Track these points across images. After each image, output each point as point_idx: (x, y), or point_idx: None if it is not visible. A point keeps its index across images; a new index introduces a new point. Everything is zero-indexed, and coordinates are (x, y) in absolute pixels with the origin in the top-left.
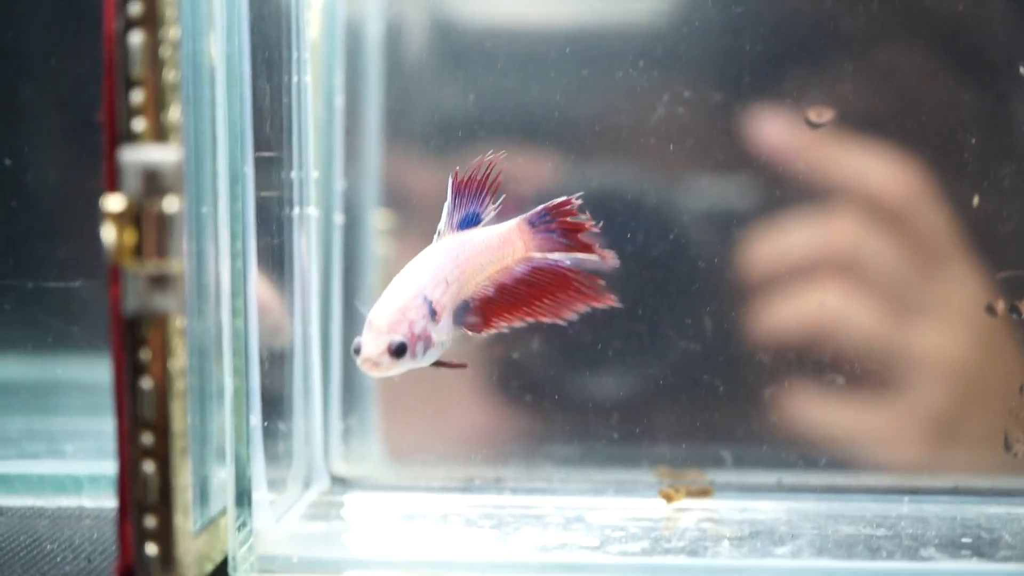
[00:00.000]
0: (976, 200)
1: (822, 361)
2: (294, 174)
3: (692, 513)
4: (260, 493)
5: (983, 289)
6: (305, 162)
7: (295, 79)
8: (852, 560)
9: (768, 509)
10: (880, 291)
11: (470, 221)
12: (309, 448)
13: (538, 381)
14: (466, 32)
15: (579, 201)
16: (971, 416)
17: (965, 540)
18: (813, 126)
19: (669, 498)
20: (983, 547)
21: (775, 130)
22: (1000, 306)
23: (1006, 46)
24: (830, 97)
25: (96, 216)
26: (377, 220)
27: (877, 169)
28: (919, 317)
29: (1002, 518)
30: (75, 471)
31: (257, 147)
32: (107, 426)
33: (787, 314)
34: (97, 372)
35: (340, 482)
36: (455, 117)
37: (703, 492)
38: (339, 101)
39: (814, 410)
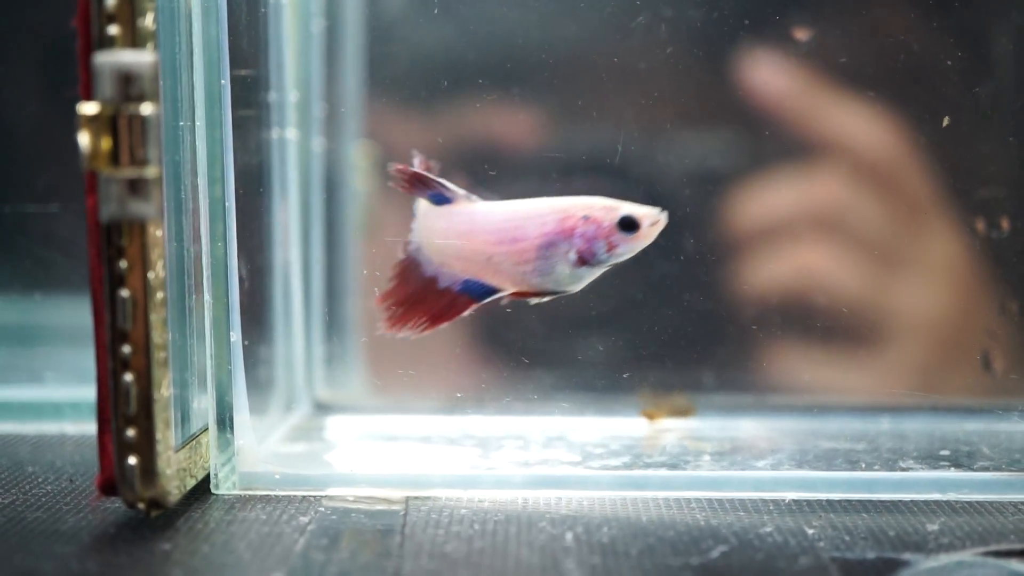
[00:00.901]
0: (946, 121)
1: (806, 317)
2: (272, 95)
3: (673, 432)
4: (242, 413)
5: (963, 224)
6: (283, 83)
7: None
8: (832, 471)
9: (749, 428)
10: (862, 245)
11: None
12: (291, 373)
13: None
14: None
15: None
16: (951, 353)
17: (944, 453)
18: (797, 45)
19: (651, 417)
20: (961, 459)
21: (766, 75)
22: (980, 225)
23: None
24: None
25: (73, 144)
26: (357, 154)
27: (860, 125)
28: (901, 269)
29: (981, 433)
30: (56, 398)
31: (234, 64)
32: (87, 359)
33: (772, 270)
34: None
35: (322, 407)
36: (435, 47)
37: (684, 411)
38: (316, 26)
39: (798, 364)
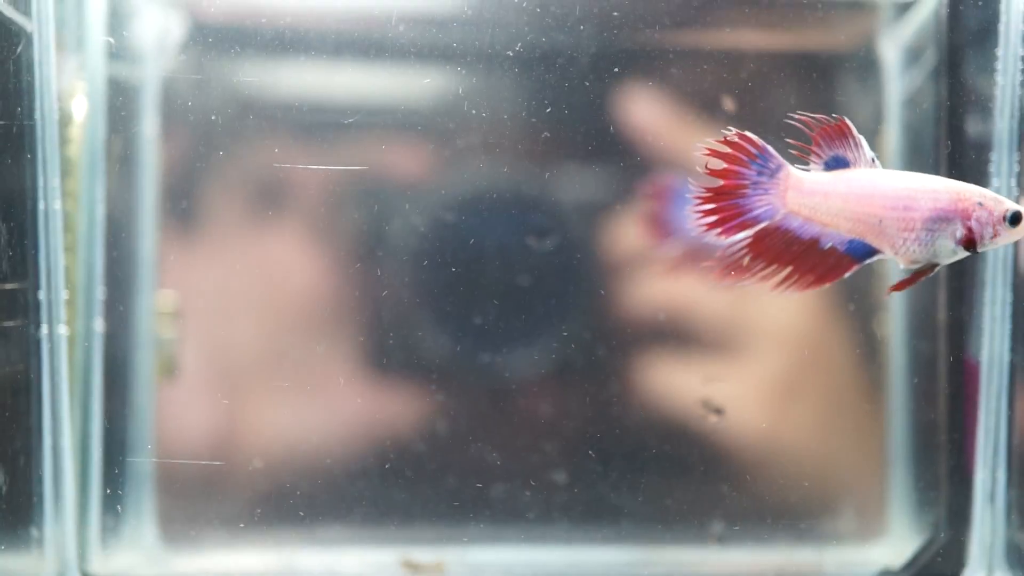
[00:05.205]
0: None
1: (676, 335)
2: (42, 294)
3: None
4: None
5: None
6: (54, 283)
7: (42, 206)
8: None
9: None
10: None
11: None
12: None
13: None
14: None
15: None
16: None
17: None
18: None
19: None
20: None
21: (642, 111)
22: None
23: None
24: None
25: None
26: (160, 303)
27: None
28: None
29: None
30: None
31: None
32: None
33: (644, 294)
34: None
35: None
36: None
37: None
38: (100, 211)
39: (667, 379)
